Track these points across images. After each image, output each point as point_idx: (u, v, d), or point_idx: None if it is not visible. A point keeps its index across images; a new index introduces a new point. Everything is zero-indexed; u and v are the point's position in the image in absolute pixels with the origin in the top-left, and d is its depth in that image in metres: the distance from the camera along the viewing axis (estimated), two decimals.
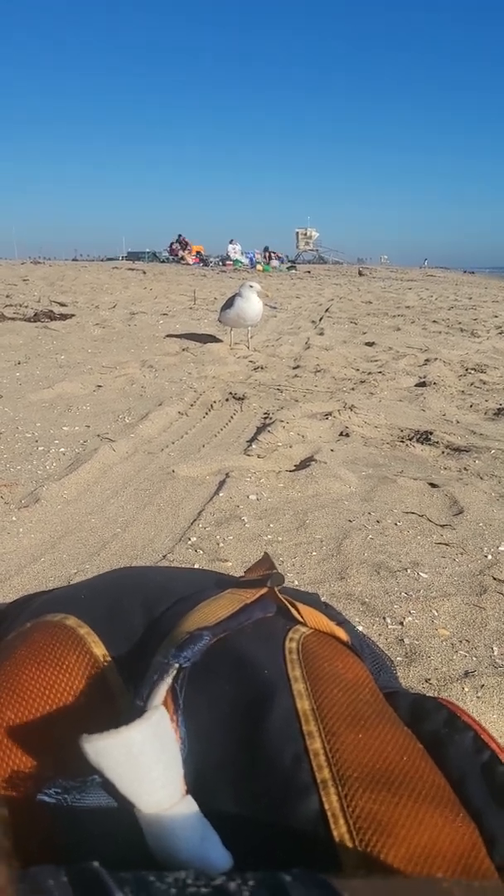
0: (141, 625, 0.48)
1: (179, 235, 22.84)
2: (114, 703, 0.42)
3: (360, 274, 16.84)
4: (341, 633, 0.52)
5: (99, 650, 0.45)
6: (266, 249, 23.82)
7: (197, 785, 0.36)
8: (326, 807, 0.34)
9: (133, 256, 24.19)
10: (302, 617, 0.50)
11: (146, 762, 0.33)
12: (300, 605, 0.52)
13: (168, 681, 0.38)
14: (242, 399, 3.20)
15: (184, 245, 22.71)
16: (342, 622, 0.58)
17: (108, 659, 0.44)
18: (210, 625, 0.44)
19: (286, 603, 0.51)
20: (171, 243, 23.31)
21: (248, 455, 2.33)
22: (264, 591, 0.51)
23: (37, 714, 0.40)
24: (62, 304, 6.82)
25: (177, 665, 0.39)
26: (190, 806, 0.34)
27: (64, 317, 5.87)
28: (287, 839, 0.34)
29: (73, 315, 6.04)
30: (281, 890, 0.24)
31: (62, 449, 2.38)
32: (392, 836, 0.33)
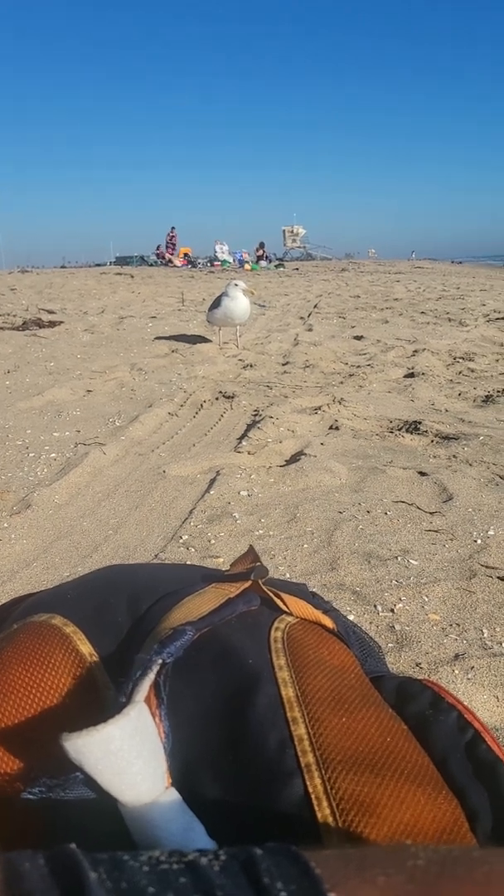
0: (127, 621, 0.49)
1: (172, 228, 22.54)
2: (101, 700, 0.42)
3: (344, 270, 16.76)
4: (327, 621, 0.52)
5: (85, 648, 0.45)
6: (261, 246, 23.44)
7: (183, 776, 0.37)
8: (310, 790, 0.35)
9: (121, 261, 23.99)
10: (287, 607, 0.51)
11: (126, 758, 0.33)
12: (285, 596, 0.52)
13: (151, 676, 0.38)
14: (232, 397, 3.20)
15: (172, 245, 22.52)
16: (328, 610, 0.59)
17: (95, 656, 0.45)
18: (194, 620, 0.45)
19: (270, 594, 0.51)
20: (159, 246, 23.13)
21: (239, 452, 2.34)
22: (248, 584, 0.52)
23: (23, 714, 0.40)
24: (50, 312, 6.80)
25: (160, 661, 0.40)
26: (173, 798, 0.35)
27: (52, 324, 5.85)
28: (272, 824, 0.35)
29: (61, 322, 6.02)
30: (250, 862, 0.25)
31: (53, 454, 2.38)
32: (374, 816, 0.33)
